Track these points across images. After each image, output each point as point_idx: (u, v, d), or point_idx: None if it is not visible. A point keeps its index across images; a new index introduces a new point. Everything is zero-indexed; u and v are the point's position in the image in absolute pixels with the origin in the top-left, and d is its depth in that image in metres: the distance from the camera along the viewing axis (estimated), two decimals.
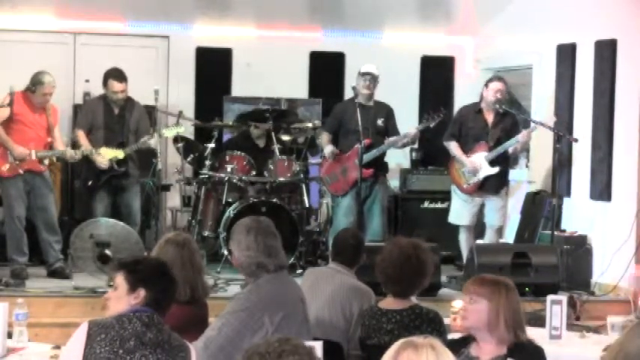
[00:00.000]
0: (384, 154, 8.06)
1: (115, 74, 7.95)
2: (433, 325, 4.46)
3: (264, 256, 4.22)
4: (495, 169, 7.90)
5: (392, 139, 7.94)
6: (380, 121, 8.02)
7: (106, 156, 7.74)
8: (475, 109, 8.05)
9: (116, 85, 7.92)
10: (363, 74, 7.98)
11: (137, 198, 8.09)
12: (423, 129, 8.05)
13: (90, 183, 7.95)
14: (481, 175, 7.91)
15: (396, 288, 4.54)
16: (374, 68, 8.02)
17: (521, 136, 7.84)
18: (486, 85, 8.04)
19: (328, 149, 8.07)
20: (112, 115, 8.01)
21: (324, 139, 8.19)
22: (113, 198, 8.01)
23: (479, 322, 3.73)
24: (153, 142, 7.79)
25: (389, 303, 4.59)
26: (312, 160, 8.75)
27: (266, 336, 4.05)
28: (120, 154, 7.76)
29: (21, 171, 7.52)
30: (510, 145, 7.88)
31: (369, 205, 7.93)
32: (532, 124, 8.05)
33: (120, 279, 3.54)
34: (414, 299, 4.62)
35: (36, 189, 7.62)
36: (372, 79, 7.97)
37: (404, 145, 8.17)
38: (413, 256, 4.51)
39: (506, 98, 8.11)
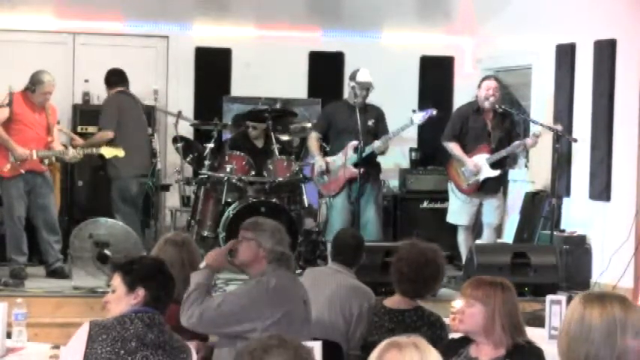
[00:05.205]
0: (375, 154, 8.04)
1: None
2: (433, 329, 4.47)
3: (289, 250, 4.45)
4: (496, 172, 7.89)
5: (381, 139, 7.91)
6: (370, 122, 7.99)
7: (107, 155, 7.74)
8: (473, 109, 8.04)
9: None
10: (360, 84, 7.86)
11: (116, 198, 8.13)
12: (397, 133, 8.00)
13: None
14: (481, 177, 7.90)
15: (408, 287, 4.54)
16: (369, 75, 7.95)
17: (529, 141, 7.87)
18: (479, 85, 8.05)
19: (319, 165, 8.02)
20: None
21: (312, 143, 8.15)
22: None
23: (475, 327, 3.69)
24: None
25: (394, 302, 4.60)
26: (305, 160, 8.70)
27: (263, 326, 4.06)
28: (120, 152, 7.74)
29: (22, 171, 7.51)
30: (514, 149, 7.91)
31: (363, 205, 7.90)
32: (537, 129, 8.02)
33: (117, 281, 3.53)
34: (418, 301, 4.63)
35: (37, 188, 7.61)
36: (369, 89, 7.92)
37: (382, 152, 8.04)
38: (432, 259, 4.52)
39: (500, 97, 8.09)
